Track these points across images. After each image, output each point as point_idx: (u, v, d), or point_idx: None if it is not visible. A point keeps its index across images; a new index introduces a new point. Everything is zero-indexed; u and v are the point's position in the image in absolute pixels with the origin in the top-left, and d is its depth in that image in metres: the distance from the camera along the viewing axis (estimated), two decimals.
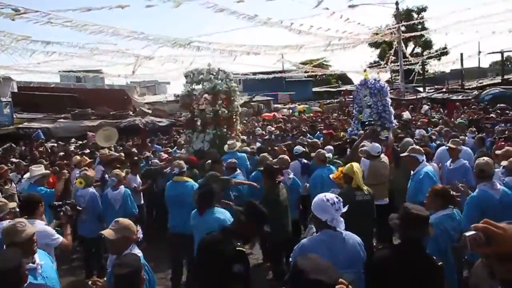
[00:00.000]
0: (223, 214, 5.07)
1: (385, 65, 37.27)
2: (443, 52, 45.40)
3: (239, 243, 3.54)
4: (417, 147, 6.57)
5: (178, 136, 17.20)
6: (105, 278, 3.80)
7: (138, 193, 8.69)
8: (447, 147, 7.36)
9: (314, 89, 54.57)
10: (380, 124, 11.82)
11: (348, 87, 46.61)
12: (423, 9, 51.88)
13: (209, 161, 8.01)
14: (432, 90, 34.83)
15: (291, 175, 7.35)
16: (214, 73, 10.93)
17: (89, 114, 23.28)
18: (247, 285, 3.51)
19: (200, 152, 10.01)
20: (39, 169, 7.10)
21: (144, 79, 44.43)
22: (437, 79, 48.96)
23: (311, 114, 30.73)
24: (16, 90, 26.58)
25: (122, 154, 10.98)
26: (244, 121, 26.62)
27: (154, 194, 8.90)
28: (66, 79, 35.54)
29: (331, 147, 8.94)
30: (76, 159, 9.57)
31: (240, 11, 16.18)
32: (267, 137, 14.95)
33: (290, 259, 3.76)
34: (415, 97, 30.87)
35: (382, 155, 7.54)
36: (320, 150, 7.93)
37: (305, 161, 8.31)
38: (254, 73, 37.14)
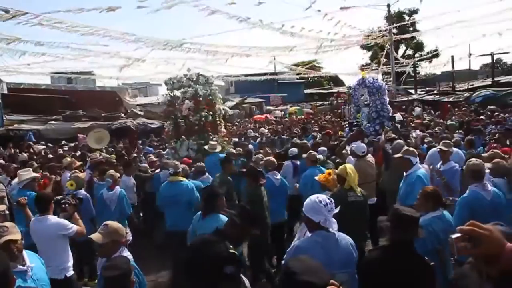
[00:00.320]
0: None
1: (377, 67, 37.42)
2: (434, 54, 45.68)
3: (231, 246, 3.54)
4: (411, 148, 6.52)
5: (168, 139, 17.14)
6: None
7: (132, 192, 8.62)
8: (438, 149, 7.40)
9: (306, 91, 54.68)
10: (379, 123, 11.82)
11: (340, 89, 46.77)
12: (415, 12, 52.15)
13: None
14: (424, 92, 35.02)
15: (278, 176, 7.41)
16: (194, 79, 11.05)
17: (80, 116, 23.10)
18: (237, 287, 3.51)
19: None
20: (27, 173, 6.98)
21: (136, 80, 44.35)
22: (428, 81, 49.23)
23: (303, 116, 30.83)
24: (6, 92, 26.36)
25: (114, 156, 10.96)
26: (236, 123, 26.65)
27: (142, 196, 9.00)
28: (57, 81, 35.36)
29: (324, 148, 9.05)
30: (67, 161, 9.50)
31: (232, 14, 16.17)
32: (259, 139, 14.96)
33: (283, 261, 3.76)
34: (406, 99, 31.00)
35: (369, 155, 7.67)
36: (311, 151, 8.04)
37: (298, 162, 8.44)
38: (246, 75, 37.13)
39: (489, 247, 1.40)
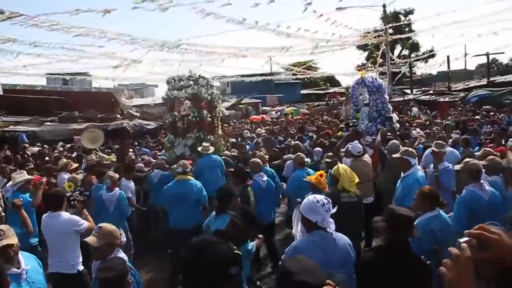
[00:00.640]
0: None
1: (373, 67, 37.45)
2: (430, 55, 45.81)
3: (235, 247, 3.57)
4: (410, 149, 6.45)
5: (164, 136, 17.13)
6: None
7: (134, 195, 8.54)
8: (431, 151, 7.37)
9: (303, 91, 54.76)
10: (381, 122, 11.74)
11: (336, 89, 46.86)
12: (410, 12, 52.35)
13: None
14: (419, 92, 35.10)
15: (265, 178, 7.46)
16: (195, 80, 11.22)
17: (76, 117, 22.99)
18: (239, 286, 3.57)
19: None
20: (20, 176, 6.92)
21: (132, 81, 44.26)
22: (424, 81, 49.37)
23: (299, 116, 30.85)
24: (1, 93, 26.23)
25: (111, 157, 10.93)
26: (232, 124, 26.64)
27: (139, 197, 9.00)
28: (53, 82, 35.22)
29: (320, 149, 9.08)
30: (63, 162, 9.46)
31: (228, 15, 16.14)
32: (255, 140, 14.96)
33: (280, 262, 3.77)
34: (402, 99, 31.06)
35: (366, 155, 7.70)
36: (299, 153, 8.14)
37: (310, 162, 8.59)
38: (243, 76, 37.10)
39: (498, 251, 1.38)
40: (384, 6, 30.56)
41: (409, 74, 40.95)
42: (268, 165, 8.63)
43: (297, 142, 11.05)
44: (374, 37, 31.33)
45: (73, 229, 5.17)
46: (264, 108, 40.96)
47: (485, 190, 4.91)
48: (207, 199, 7.05)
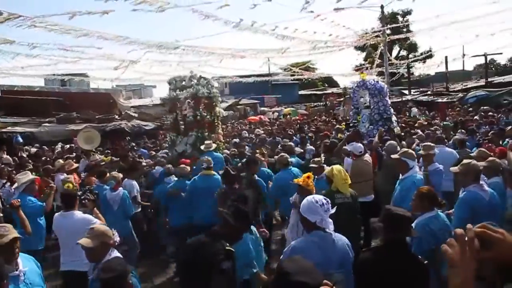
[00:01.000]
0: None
1: (371, 67, 37.47)
2: (428, 55, 45.86)
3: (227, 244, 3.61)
4: (410, 151, 6.33)
5: (165, 137, 17.15)
6: None
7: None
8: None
9: (301, 92, 54.74)
10: (382, 125, 11.67)
11: (334, 89, 46.89)
12: (408, 13, 52.37)
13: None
14: (418, 93, 35.13)
15: (256, 178, 7.47)
16: (196, 80, 11.51)
17: (74, 118, 22.96)
18: (232, 280, 3.61)
19: None
20: (25, 177, 6.85)
21: (130, 82, 44.19)
22: (422, 82, 49.42)
23: (297, 117, 30.87)
24: None
25: (109, 158, 10.95)
26: (229, 124, 26.65)
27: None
28: (51, 83, 35.19)
29: (312, 147, 9.18)
30: (59, 164, 9.41)
31: (225, 17, 16.13)
32: (254, 140, 14.97)
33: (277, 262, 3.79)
34: (400, 99, 31.10)
35: (366, 155, 7.72)
36: (283, 154, 8.17)
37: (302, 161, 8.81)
38: (241, 76, 37.11)
39: (501, 251, 1.37)
40: (382, 6, 30.60)
41: (407, 75, 40.99)
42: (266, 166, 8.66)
43: (290, 143, 11.03)
44: (372, 37, 31.35)
45: (87, 228, 5.16)
46: (262, 108, 40.97)
47: (485, 190, 4.90)
48: None
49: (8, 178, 9.70)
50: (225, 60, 25.46)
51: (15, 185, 7.11)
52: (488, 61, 40.71)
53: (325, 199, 3.71)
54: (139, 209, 8.28)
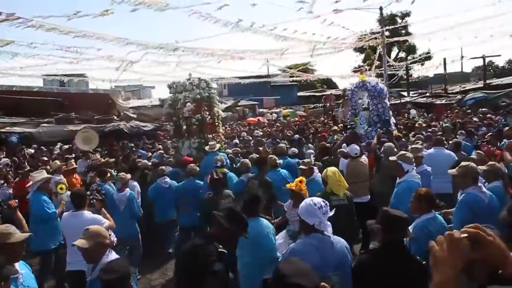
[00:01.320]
0: (267, 227, 4.95)
1: (369, 69, 37.48)
2: (427, 57, 45.91)
3: (220, 246, 3.63)
4: (408, 154, 6.27)
5: (165, 141, 17.16)
6: None
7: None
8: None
9: (299, 94, 54.73)
10: (381, 127, 11.60)
11: (333, 91, 46.85)
12: (407, 14, 52.37)
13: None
14: (416, 95, 35.16)
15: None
16: (196, 83, 11.61)
17: (73, 118, 22.93)
18: (225, 281, 3.60)
19: None
20: (40, 175, 6.86)
21: (129, 83, 44.12)
22: (420, 84, 49.48)
23: (296, 119, 30.87)
24: None
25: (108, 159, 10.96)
26: (228, 126, 26.64)
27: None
28: (50, 83, 35.09)
29: (311, 151, 9.24)
30: (56, 165, 9.34)
31: (224, 18, 16.07)
32: (252, 141, 14.98)
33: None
34: (399, 101, 31.12)
35: (363, 157, 7.74)
36: (271, 156, 8.26)
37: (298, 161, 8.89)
38: (240, 78, 37.10)
39: (490, 252, 1.38)
40: (381, 8, 30.62)
41: (405, 77, 41.01)
42: None
43: (282, 144, 11.03)
44: (371, 39, 31.35)
45: None
46: (261, 110, 40.97)
47: (484, 192, 4.92)
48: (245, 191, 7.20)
49: (5, 179, 9.70)
50: (224, 61, 25.47)
51: (30, 183, 7.10)
52: (486, 63, 40.82)
53: (323, 201, 3.72)
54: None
